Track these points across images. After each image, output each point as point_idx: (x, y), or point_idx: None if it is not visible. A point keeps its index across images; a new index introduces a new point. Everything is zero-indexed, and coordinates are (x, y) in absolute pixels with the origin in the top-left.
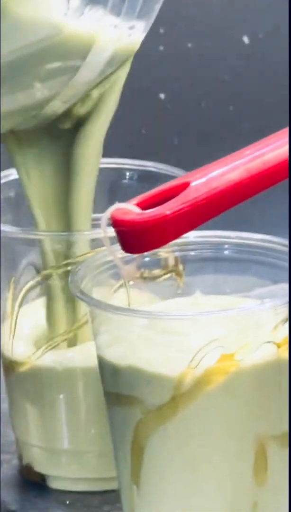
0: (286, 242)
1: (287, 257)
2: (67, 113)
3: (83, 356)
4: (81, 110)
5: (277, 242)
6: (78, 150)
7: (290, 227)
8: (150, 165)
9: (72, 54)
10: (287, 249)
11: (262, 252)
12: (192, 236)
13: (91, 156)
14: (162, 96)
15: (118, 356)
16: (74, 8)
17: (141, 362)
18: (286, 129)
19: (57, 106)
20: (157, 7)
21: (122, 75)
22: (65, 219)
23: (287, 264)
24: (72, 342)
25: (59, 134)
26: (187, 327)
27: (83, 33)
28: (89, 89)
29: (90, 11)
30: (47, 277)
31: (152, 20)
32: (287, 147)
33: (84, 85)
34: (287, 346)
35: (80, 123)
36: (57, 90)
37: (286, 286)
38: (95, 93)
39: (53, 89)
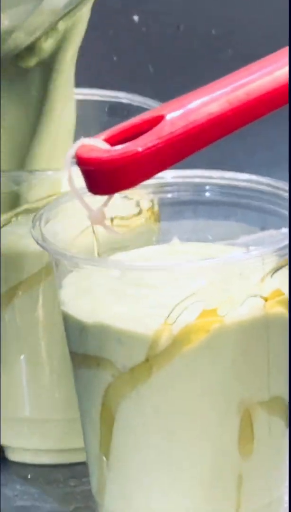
0: (276, 183)
1: (277, 200)
2: (31, 48)
3: (44, 310)
4: (46, 44)
5: (265, 183)
6: (49, 87)
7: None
8: (122, 96)
9: None
10: (276, 191)
11: (248, 194)
12: (169, 176)
13: (61, 95)
14: (135, 18)
15: (85, 311)
16: None
17: (111, 319)
18: (273, 55)
19: (20, 39)
20: None
21: (89, 5)
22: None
23: (276, 208)
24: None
25: (25, 72)
26: (163, 278)
27: None
28: (55, 20)
29: None
30: (5, 223)
31: None
32: (276, 73)
33: (49, 15)
34: (275, 300)
35: (46, 62)
36: (21, 19)
37: (275, 232)
38: (61, 26)
39: (16, 19)
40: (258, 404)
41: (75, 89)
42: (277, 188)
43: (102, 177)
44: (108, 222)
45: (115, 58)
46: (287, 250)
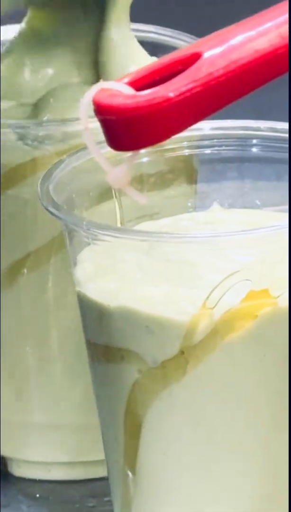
0: None
1: None
2: None
3: (55, 292)
4: None
5: None
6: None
7: None
8: (150, 30)
9: None
10: None
11: None
12: (207, 127)
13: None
14: None
15: (107, 293)
16: None
17: (139, 302)
18: None
19: None
20: None
21: None
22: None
23: None
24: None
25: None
26: (201, 253)
27: None
28: None
29: None
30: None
31: None
32: None
33: None
34: None
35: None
36: None
37: None
38: None
39: None
40: None
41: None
42: None
43: (126, 129)
44: (132, 185)
45: None
46: None
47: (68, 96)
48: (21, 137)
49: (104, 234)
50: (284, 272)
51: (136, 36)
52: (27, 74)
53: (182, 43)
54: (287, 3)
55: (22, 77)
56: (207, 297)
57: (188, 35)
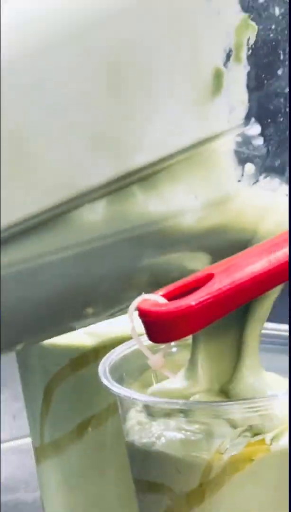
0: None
1: None
2: None
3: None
4: None
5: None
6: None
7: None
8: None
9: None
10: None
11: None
12: None
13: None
14: None
15: (146, 442)
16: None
17: (169, 447)
18: None
19: None
20: None
21: None
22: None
23: None
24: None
25: None
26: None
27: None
28: None
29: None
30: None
31: None
32: None
33: None
34: None
35: None
36: None
37: None
38: None
39: None
40: None
41: None
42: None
43: (161, 328)
44: (166, 367)
45: None
46: None
47: None
48: None
49: (140, 401)
50: (279, 423)
51: None
52: None
53: None
54: (275, 238)
55: None
56: (220, 445)
57: None
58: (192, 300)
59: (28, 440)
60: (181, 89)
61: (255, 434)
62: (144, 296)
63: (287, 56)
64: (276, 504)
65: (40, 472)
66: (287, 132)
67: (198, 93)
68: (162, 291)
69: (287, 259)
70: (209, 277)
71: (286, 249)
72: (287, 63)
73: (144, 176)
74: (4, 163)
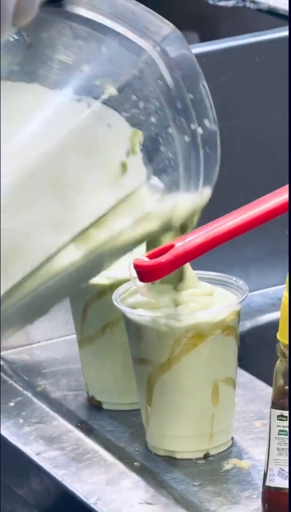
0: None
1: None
2: None
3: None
4: None
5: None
6: None
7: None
8: None
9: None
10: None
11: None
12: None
13: None
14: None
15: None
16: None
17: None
18: (236, 211)
19: None
20: (215, 175)
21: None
22: None
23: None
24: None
25: None
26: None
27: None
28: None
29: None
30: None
31: (214, 181)
32: (226, 225)
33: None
34: (228, 331)
35: None
36: None
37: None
38: None
39: None
40: (220, 380)
41: None
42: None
43: (145, 274)
44: (148, 295)
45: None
46: None
47: None
48: None
49: (130, 313)
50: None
51: None
52: None
53: None
54: (215, 222)
55: None
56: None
57: None
58: (162, 259)
59: (74, 336)
60: (103, 177)
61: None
62: (137, 258)
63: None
64: (209, 372)
65: (81, 354)
66: None
67: (114, 176)
68: (147, 254)
69: (223, 232)
70: (171, 246)
71: (218, 229)
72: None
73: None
74: None
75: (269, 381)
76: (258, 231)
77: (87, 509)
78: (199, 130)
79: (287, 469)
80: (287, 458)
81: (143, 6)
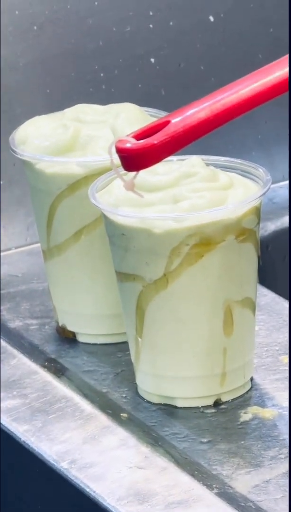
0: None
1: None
2: None
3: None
4: None
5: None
6: None
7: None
8: (150, 111)
9: None
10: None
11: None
12: (175, 159)
13: None
14: (152, 60)
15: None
16: None
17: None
18: (239, 80)
19: None
20: None
21: None
22: None
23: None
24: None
25: None
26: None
27: None
28: None
29: None
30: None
31: None
32: (240, 92)
33: None
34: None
35: None
36: None
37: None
38: None
39: None
40: (235, 302)
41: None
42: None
43: (130, 160)
44: (134, 189)
45: (139, 86)
46: None
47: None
48: None
49: (111, 213)
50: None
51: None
52: None
53: (162, 115)
54: (215, 93)
55: None
56: (179, 244)
57: (166, 112)
58: (154, 139)
59: (38, 245)
60: None
61: (204, 239)
62: (120, 137)
63: None
64: (220, 290)
65: (48, 269)
66: None
67: None
68: (132, 134)
69: (223, 108)
70: (166, 123)
71: (223, 102)
72: None
73: None
74: None
75: None
76: (280, 101)
77: (58, 476)
78: None
79: None
80: None
81: None
